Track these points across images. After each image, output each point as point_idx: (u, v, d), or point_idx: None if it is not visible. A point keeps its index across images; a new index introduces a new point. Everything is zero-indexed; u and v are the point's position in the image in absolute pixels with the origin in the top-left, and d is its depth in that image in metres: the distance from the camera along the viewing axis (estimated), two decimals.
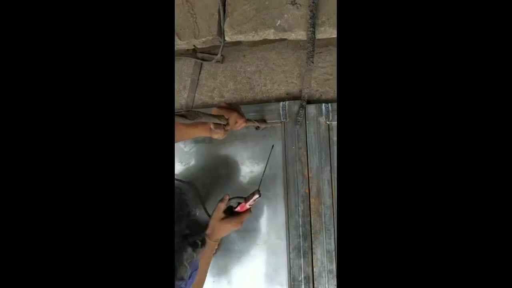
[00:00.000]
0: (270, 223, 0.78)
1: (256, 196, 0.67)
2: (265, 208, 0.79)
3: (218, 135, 0.59)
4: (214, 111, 0.59)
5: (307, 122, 0.77)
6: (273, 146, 0.76)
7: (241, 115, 0.61)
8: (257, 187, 0.68)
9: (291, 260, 0.75)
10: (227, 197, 0.71)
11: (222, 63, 0.88)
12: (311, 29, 0.64)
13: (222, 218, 0.69)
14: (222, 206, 0.70)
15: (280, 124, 0.80)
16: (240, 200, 0.70)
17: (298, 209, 0.76)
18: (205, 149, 0.85)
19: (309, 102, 0.79)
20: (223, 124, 0.58)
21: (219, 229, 0.68)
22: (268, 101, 0.83)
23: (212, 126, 0.56)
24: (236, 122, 0.60)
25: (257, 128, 0.80)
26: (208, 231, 0.69)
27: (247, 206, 0.69)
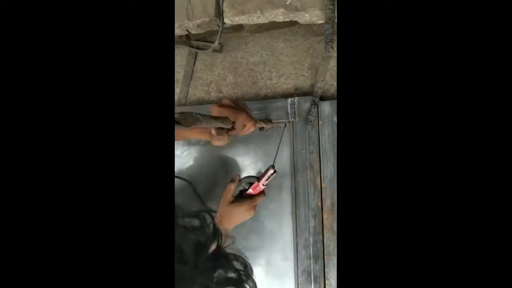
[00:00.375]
0: (275, 241, 0.67)
1: (271, 172, 0.59)
2: (268, 222, 0.67)
3: (220, 141, 0.47)
4: (214, 110, 0.47)
5: (320, 122, 0.65)
6: (285, 124, 0.67)
7: (250, 117, 0.49)
8: (272, 163, 0.60)
9: (299, 286, 0.63)
10: (238, 177, 0.61)
11: (220, 52, 0.76)
12: (330, 7, 0.52)
13: (232, 202, 0.59)
14: (233, 187, 0.60)
15: (288, 124, 0.68)
16: (252, 180, 0.61)
17: (309, 225, 0.64)
18: (200, 152, 0.73)
19: (322, 98, 0.67)
20: (227, 129, 0.46)
21: (230, 215, 0.58)
22: (273, 97, 0.72)
23: (213, 131, 0.44)
24: (243, 126, 0.48)
25: (261, 128, 0.68)
26: (216, 219, 0.57)
27: (261, 186, 0.60)
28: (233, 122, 0.47)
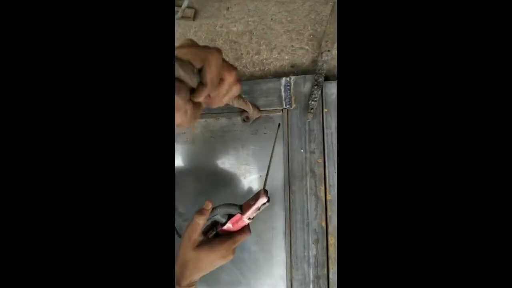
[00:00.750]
0: (262, 275, 0.48)
1: (263, 200, 0.38)
2: (254, 250, 0.49)
3: (180, 117, 0.26)
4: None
5: (324, 109, 0.48)
6: (279, 124, 0.49)
7: (228, 64, 0.28)
8: (263, 187, 0.39)
9: None
10: (210, 206, 0.40)
11: (194, 20, 0.58)
12: None
13: (200, 244, 0.38)
14: (201, 222, 0.39)
15: (281, 112, 0.50)
16: (233, 211, 0.40)
17: (308, 253, 0.46)
18: None
19: (327, 78, 0.50)
20: (192, 87, 0.25)
21: (196, 263, 0.38)
22: (263, 76, 0.54)
23: None
24: (219, 80, 0.27)
25: (245, 119, 0.50)
26: (176, 268, 0.38)
27: (245, 220, 0.39)
28: (201, 70, 0.25)
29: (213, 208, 0.40)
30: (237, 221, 0.39)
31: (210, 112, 0.52)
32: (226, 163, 0.52)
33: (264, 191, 0.38)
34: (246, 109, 0.45)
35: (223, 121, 0.52)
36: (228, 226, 0.40)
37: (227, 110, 0.51)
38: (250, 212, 0.38)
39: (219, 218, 0.40)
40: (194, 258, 0.38)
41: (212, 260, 0.38)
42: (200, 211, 0.39)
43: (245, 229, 0.40)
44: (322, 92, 0.48)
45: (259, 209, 0.38)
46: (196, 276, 0.38)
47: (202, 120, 0.53)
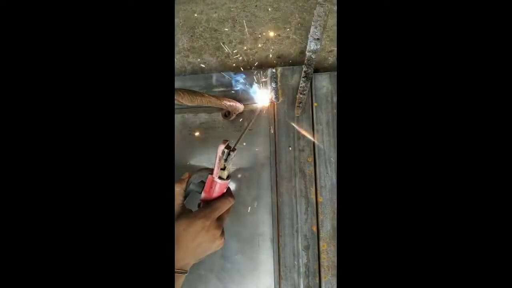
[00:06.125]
0: (246, 286, 0.44)
1: (221, 148, 0.35)
2: (237, 258, 0.44)
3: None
4: None
5: (314, 104, 0.44)
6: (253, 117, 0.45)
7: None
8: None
9: None
10: (187, 175, 0.39)
11: None
12: None
13: (178, 217, 0.36)
14: (178, 189, 0.38)
15: (267, 107, 0.45)
16: (204, 174, 0.38)
17: (298, 261, 0.42)
18: None
19: (317, 70, 0.46)
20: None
21: (176, 239, 0.33)
22: (246, 68, 0.49)
23: None
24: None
25: (226, 115, 0.46)
26: None
27: (217, 180, 0.36)
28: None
29: (189, 177, 0.39)
30: (210, 186, 0.37)
31: (188, 107, 0.47)
32: (206, 163, 0.47)
33: (224, 141, 0.35)
34: (221, 107, 0.41)
35: (202, 116, 0.47)
36: (204, 195, 0.38)
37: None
38: (216, 167, 0.36)
39: (194, 187, 0.38)
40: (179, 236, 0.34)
41: (193, 234, 0.34)
42: (179, 180, 0.38)
43: (225, 194, 0.38)
44: (311, 84, 0.44)
45: (225, 160, 0.35)
46: (181, 257, 0.33)
47: (179, 116, 0.47)
